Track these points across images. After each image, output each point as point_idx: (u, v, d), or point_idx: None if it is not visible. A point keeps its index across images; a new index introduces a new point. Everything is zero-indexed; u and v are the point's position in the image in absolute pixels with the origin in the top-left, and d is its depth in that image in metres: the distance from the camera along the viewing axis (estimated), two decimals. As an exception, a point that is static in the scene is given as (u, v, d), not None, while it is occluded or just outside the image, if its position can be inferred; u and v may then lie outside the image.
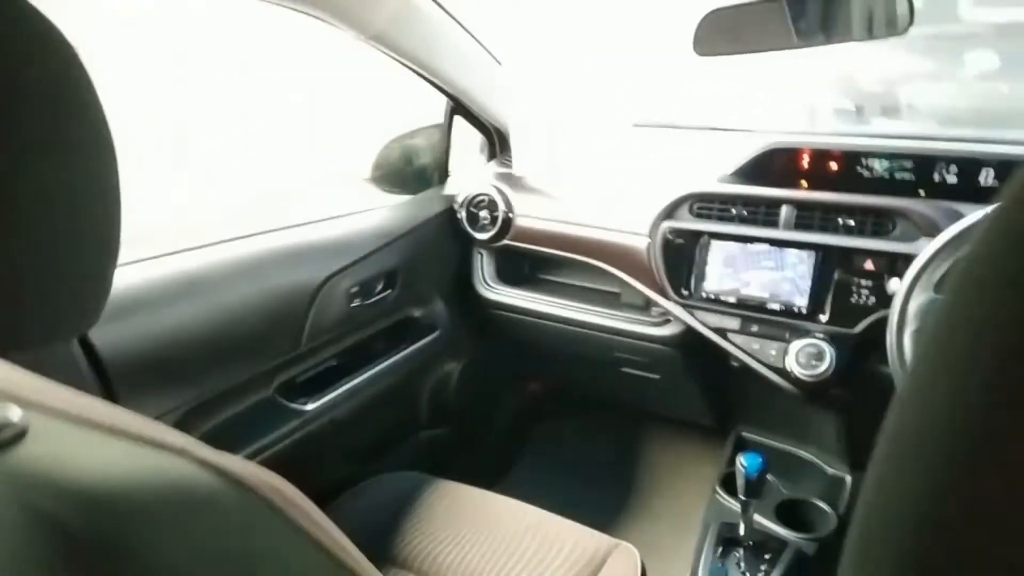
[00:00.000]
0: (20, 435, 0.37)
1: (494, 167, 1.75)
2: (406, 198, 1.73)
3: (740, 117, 1.75)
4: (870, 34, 0.98)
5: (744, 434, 1.73)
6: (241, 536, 0.42)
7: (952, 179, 1.28)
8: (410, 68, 1.46)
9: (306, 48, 2.71)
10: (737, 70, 2.04)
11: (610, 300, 1.63)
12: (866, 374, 1.27)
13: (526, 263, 1.80)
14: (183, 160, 2.88)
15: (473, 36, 1.55)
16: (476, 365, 1.89)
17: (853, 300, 1.25)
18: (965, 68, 2.63)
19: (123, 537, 0.37)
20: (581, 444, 2.18)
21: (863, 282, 1.25)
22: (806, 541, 1.42)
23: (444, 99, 1.68)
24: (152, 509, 0.39)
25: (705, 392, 1.67)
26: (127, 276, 1.14)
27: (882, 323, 1.14)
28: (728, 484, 1.54)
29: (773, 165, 1.40)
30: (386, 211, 1.63)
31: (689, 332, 1.44)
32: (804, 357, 1.28)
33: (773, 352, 1.34)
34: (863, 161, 1.34)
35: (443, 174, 1.78)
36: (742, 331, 1.37)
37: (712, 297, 1.38)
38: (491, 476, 2.06)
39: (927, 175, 1.29)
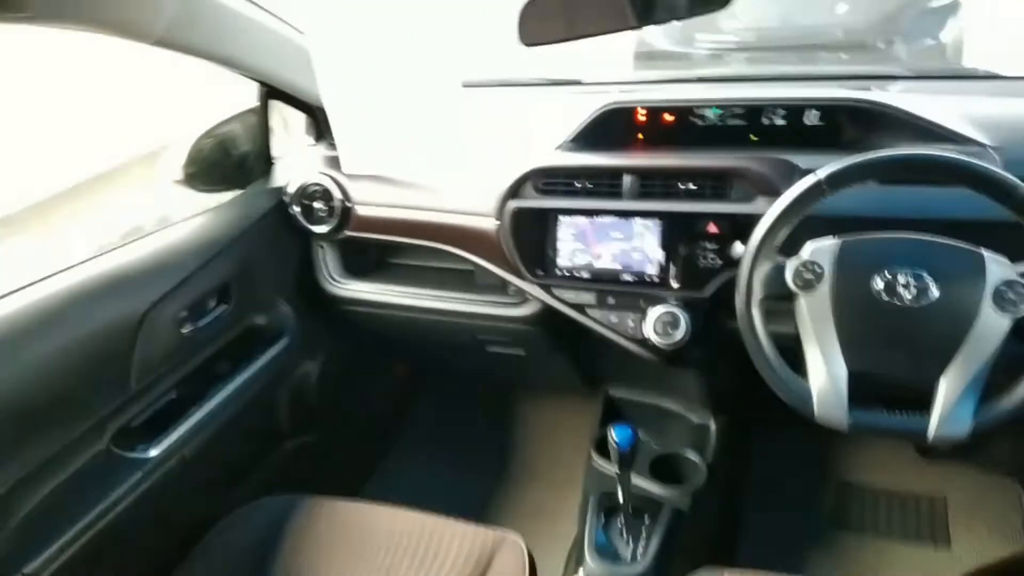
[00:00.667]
0: None
1: (323, 151, 1.61)
2: (230, 196, 1.56)
3: (573, 68, 1.70)
4: (694, 10, 0.95)
5: (612, 393, 1.75)
6: None
7: (780, 121, 1.34)
8: (208, 61, 1.29)
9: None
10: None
11: (466, 280, 1.58)
12: (722, 332, 1.30)
13: (373, 250, 1.70)
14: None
15: (266, 10, 1.37)
16: (335, 363, 1.79)
17: (701, 264, 1.27)
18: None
19: None
20: (456, 424, 2.16)
21: (708, 246, 1.26)
22: (681, 496, 1.47)
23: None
24: None
25: (571, 361, 1.67)
26: None
27: (731, 284, 1.16)
28: (602, 448, 1.56)
29: (611, 126, 1.38)
30: (208, 217, 1.47)
31: (548, 309, 1.42)
32: (660, 326, 1.29)
33: (631, 323, 1.34)
34: (695, 111, 1.37)
35: (266, 164, 1.62)
36: (599, 305, 1.36)
37: (566, 274, 1.36)
38: (367, 472, 2.01)
39: (756, 119, 1.35)
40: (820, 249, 1.03)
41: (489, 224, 1.39)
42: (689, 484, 1.51)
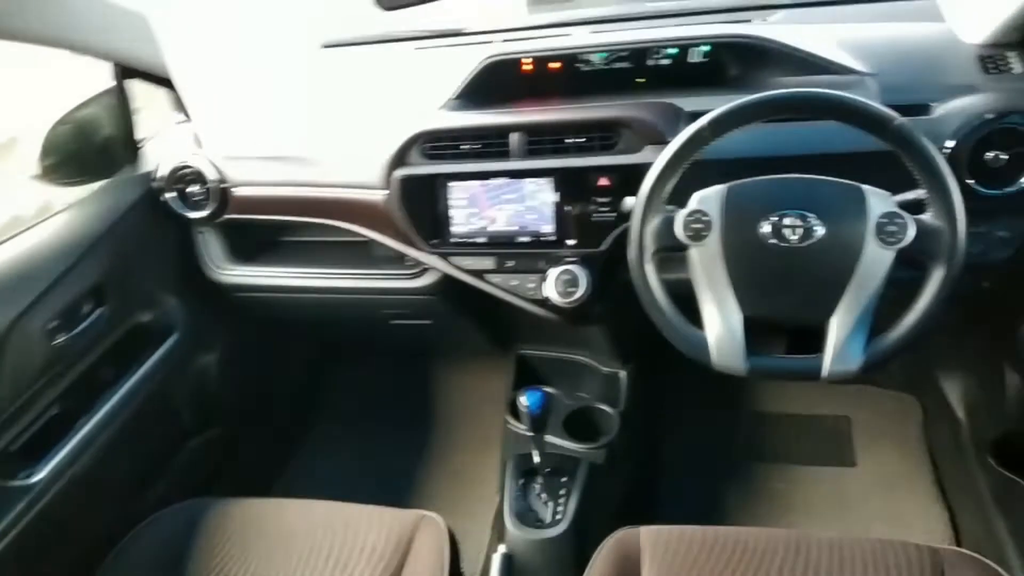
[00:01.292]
0: None
1: (193, 128, 1.50)
2: (97, 186, 1.44)
3: (441, 18, 1.62)
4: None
5: (523, 352, 1.74)
6: None
7: (665, 62, 1.32)
8: (43, 45, 1.17)
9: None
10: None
11: (363, 253, 1.51)
12: (622, 284, 1.29)
13: (261, 230, 1.61)
14: None
15: None
16: (234, 353, 1.71)
17: (595, 219, 1.25)
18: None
19: None
20: (370, 402, 2.12)
21: (601, 200, 1.23)
22: (596, 450, 1.48)
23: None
24: None
25: (479, 326, 1.64)
26: None
27: (626, 237, 1.14)
28: (516, 411, 1.55)
29: (494, 80, 1.33)
30: (71, 214, 1.35)
31: (448, 278, 1.38)
32: (561, 285, 1.27)
33: (531, 285, 1.31)
34: (581, 57, 1.34)
35: (132, 149, 1.50)
36: (498, 269, 1.33)
37: (462, 240, 1.32)
38: (281, 463, 1.95)
39: (642, 61, 1.32)
40: (706, 198, 1.02)
41: (377, 195, 1.33)
42: (604, 437, 1.51)
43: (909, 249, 0.95)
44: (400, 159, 1.30)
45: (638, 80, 1.34)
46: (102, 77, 1.42)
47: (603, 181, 1.22)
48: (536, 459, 1.39)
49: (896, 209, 0.96)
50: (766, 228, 0.98)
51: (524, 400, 1.28)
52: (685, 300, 1.04)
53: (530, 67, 1.35)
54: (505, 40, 1.48)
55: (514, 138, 1.25)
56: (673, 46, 1.30)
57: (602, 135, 1.23)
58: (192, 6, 1.24)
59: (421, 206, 1.31)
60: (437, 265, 1.36)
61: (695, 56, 1.30)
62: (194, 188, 1.44)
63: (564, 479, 1.42)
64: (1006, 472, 1.37)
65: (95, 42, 1.27)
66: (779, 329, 1.22)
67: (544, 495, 1.40)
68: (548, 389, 1.63)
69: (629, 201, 1.15)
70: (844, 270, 0.96)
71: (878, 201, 0.97)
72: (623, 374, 1.64)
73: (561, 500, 1.39)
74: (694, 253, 1.01)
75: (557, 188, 1.25)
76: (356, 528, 1.16)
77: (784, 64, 1.23)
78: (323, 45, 1.58)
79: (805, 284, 0.98)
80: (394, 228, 1.34)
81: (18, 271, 1.20)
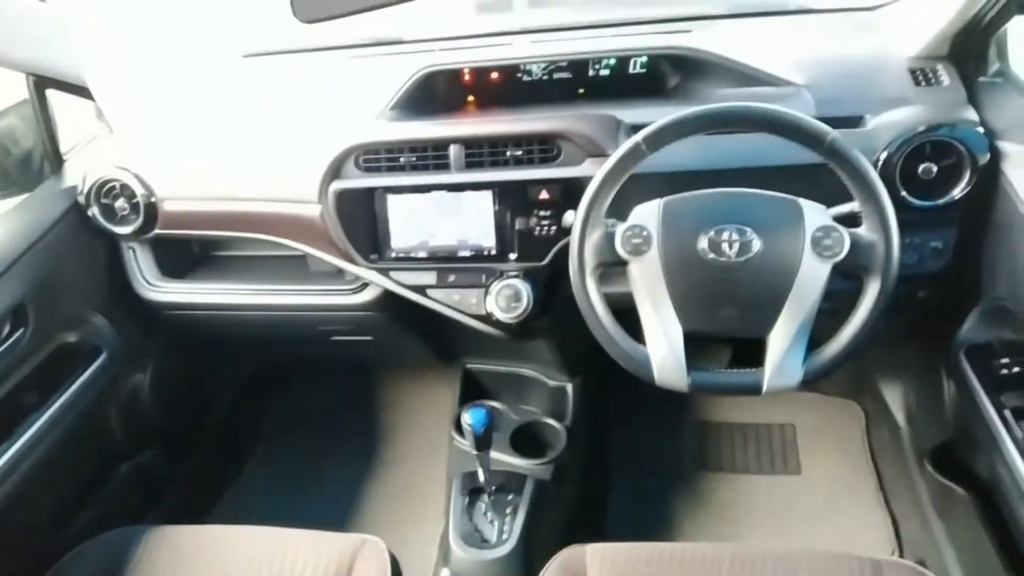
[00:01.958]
0: None
1: (118, 140, 1.44)
2: (15, 201, 1.37)
3: (375, 27, 1.59)
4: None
5: (468, 366, 1.71)
6: None
7: (605, 72, 1.32)
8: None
9: None
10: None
11: (299, 267, 1.47)
12: (565, 298, 1.28)
13: (193, 244, 1.55)
14: None
15: None
16: (169, 372, 1.65)
17: (537, 233, 1.23)
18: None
19: None
20: (313, 421, 2.06)
21: (542, 213, 1.22)
22: (543, 467, 1.46)
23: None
24: None
25: (423, 341, 1.61)
26: None
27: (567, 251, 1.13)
28: (461, 428, 1.52)
29: (433, 90, 1.32)
30: None
31: (389, 293, 1.35)
32: (503, 300, 1.25)
33: (474, 300, 1.29)
34: (522, 68, 1.33)
35: (55, 161, 1.43)
36: (440, 284, 1.30)
37: (403, 255, 1.29)
38: (219, 486, 1.88)
39: (583, 72, 1.32)
40: (645, 213, 1.01)
41: (312, 209, 1.29)
42: (551, 452, 1.49)
43: (845, 262, 0.95)
44: (335, 172, 1.26)
45: (579, 91, 1.34)
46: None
47: (544, 194, 1.21)
48: (482, 477, 1.36)
49: (832, 223, 0.96)
50: (704, 243, 0.97)
51: (467, 418, 1.25)
52: (628, 313, 1.03)
53: (469, 77, 1.34)
54: (444, 49, 1.46)
55: (453, 150, 1.23)
56: (613, 57, 1.30)
57: (542, 147, 1.21)
58: (107, 15, 1.19)
59: (358, 220, 1.28)
60: (377, 280, 1.33)
61: (635, 67, 1.31)
62: (121, 202, 1.38)
63: (511, 497, 1.40)
64: (944, 479, 1.39)
65: (6, 51, 1.20)
66: (722, 342, 1.22)
67: (490, 514, 1.38)
68: (494, 404, 1.61)
69: (570, 215, 1.13)
70: (782, 284, 0.96)
71: (814, 215, 0.97)
72: (570, 387, 1.62)
73: (508, 519, 1.36)
74: (634, 268, 1.00)
75: (498, 201, 1.23)
76: (295, 555, 1.12)
77: (722, 75, 1.24)
78: (243, 55, 1.53)
79: (744, 299, 0.98)
80: (331, 243, 1.30)
81: None
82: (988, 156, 1.10)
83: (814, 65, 1.23)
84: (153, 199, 1.37)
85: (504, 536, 1.33)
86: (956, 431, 1.31)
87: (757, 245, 0.96)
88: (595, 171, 1.03)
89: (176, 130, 1.41)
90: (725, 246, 0.96)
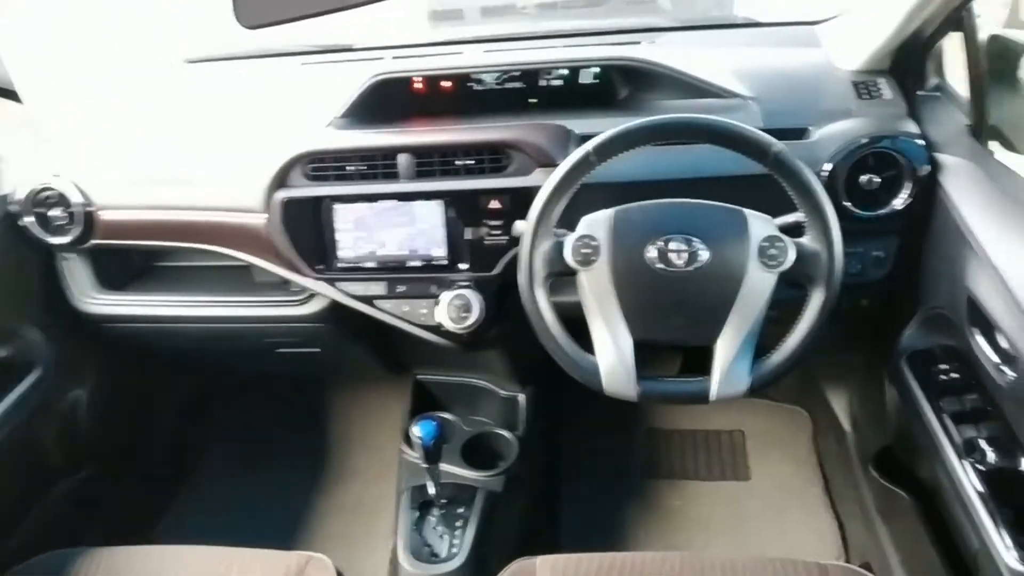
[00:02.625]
0: None
1: (53, 147, 1.38)
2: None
3: (325, 34, 1.57)
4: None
5: (419, 377, 1.69)
6: None
7: (557, 82, 1.32)
8: None
9: None
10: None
11: (243, 278, 1.43)
12: (516, 308, 1.27)
13: (132, 254, 1.50)
14: None
15: None
16: (108, 387, 1.59)
17: (487, 243, 1.22)
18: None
19: None
20: (259, 436, 2.01)
21: (492, 223, 1.22)
22: (494, 478, 1.44)
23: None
24: None
25: (372, 352, 1.58)
26: None
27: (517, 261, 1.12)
28: (411, 440, 1.50)
29: (384, 98, 1.29)
30: None
31: (337, 304, 1.32)
32: (453, 311, 1.23)
33: (424, 311, 1.27)
34: (474, 76, 1.33)
35: (-18, 169, 1.37)
36: (389, 295, 1.28)
37: (350, 265, 1.26)
38: (161, 505, 1.82)
39: (534, 82, 1.32)
40: (594, 222, 1.01)
41: (257, 219, 1.26)
42: (503, 463, 1.48)
43: (790, 272, 0.97)
44: (281, 180, 1.24)
45: (530, 100, 1.34)
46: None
47: (494, 204, 1.20)
48: (431, 491, 1.34)
49: (777, 232, 0.97)
50: (652, 253, 0.97)
51: (416, 431, 1.23)
52: (578, 323, 1.03)
53: (421, 86, 1.33)
54: (396, 58, 1.44)
55: (402, 159, 1.22)
56: (564, 67, 1.31)
57: (492, 157, 1.21)
58: (36, 17, 1.14)
59: (305, 230, 1.25)
60: (324, 291, 1.30)
61: (586, 77, 1.31)
62: (56, 212, 1.33)
63: (461, 510, 1.38)
64: (888, 483, 1.42)
65: None
66: (673, 351, 1.22)
67: (440, 528, 1.35)
68: (445, 415, 1.59)
69: (520, 225, 1.12)
70: (728, 294, 0.97)
71: (760, 225, 0.98)
72: (522, 397, 1.61)
73: (458, 532, 1.34)
74: (583, 278, 1.00)
75: (448, 211, 1.22)
76: (239, 574, 1.09)
77: (670, 87, 1.25)
78: (186, 60, 1.50)
79: (691, 308, 0.99)
80: (276, 253, 1.28)
81: None
82: (928, 167, 1.13)
83: (760, 78, 1.26)
84: (91, 208, 1.32)
85: (454, 550, 1.31)
86: (898, 436, 1.34)
87: (704, 255, 0.97)
88: (543, 181, 1.03)
89: (115, 137, 1.36)
90: (673, 256, 0.97)
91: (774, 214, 1.00)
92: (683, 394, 1.01)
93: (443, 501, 1.37)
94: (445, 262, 1.24)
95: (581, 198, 1.03)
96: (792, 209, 0.99)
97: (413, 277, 1.26)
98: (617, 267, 0.98)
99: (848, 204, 1.15)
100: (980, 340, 0.98)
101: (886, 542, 1.43)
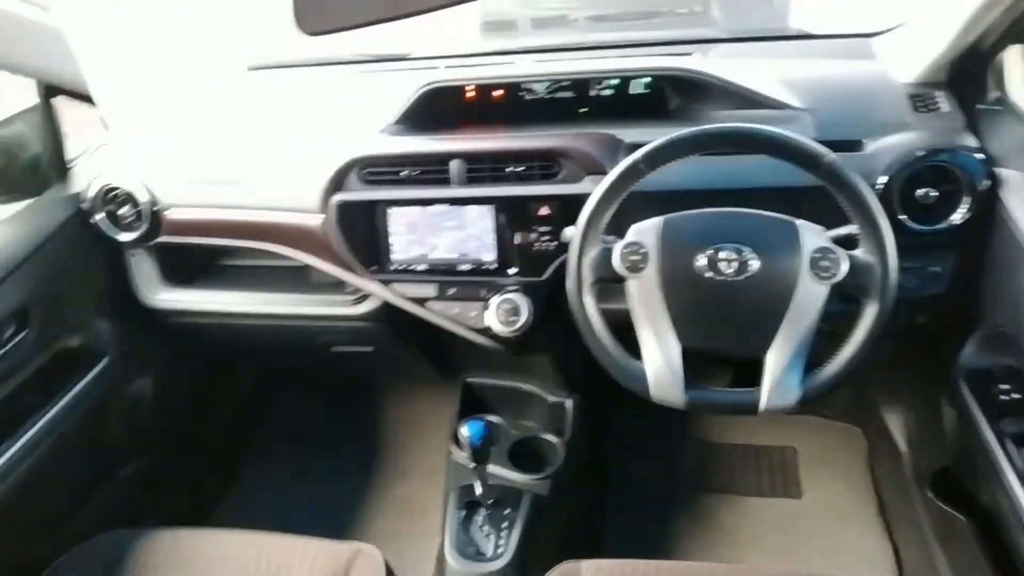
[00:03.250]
0: None
1: (123, 148, 1.45)
2: (19, 206, 1.38)
3: (380, 44, 1.61)
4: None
5: (469, 380, 1.71)
6: None
7: (608, 92, 1.32)
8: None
9: None
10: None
11: (301, 278, 1.48)
12: (565, 313, 1.28)
13: (197, 254, 1.56)
14: None
15: None
16: (171, 378, 1.66)
17: (537, 248, 1.24)
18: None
19: None
20: (313, 430, 2.07)
21: (542, 229, 1.23)
22: (540, 482, 1.45)
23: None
24: None
25: (423, 353, 1.61)
26: None
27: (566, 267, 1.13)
28: (460, 441, 1.52)
29: (436, 106, 1.32)
30: None
31: (390, 304, 1.35)
32: (502, 314, 1.25)
33: (473, 313, 1.29)
34: (524, 86, 1.33)
35: (60, 168, 1.45)
36: (440, 297, 1.31)
37: (403, 267, 1.29)
38: (218, 493, 1.89)
39: (585, 92, 1.32)
40: (643, 230, 1.01)
41: (314, 220, 1.30)
42: (549, 468, 1.49)
43: (843, 284, 0.95)
44: (337, 184, 1.27)
45: (581, 110, 1.34)
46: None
47: (544, 210, 1.22)
48: (478, 491, 1.36)
49: (829, 244, 0.96)
50: (702, 261, 0.97)
51: (465, 431, 1.25)
52: (626, 330, 1.03)
53: (473, 94, 1.34)
54: (449, 67, 1.47)
55: (454, 165, 1.24)
56: (615, 77, 1.30)
57: (543, 164, 1.22)
58: (110, 25, 1.20)
59: (359, 232, 1.28)
60: (377, 292, 1.33)
61: (637, 88, 1.31)
62: (125, 210, 1.39)
63: (507, 511, 1.39)
64: (945, 506, 1.37)
65: (14, 57, 1.23)
66: (721, 362, 1.21)
67: (486, 527, 1.37)
68: (493, 418, 1.61)
69: (569, 231, 1.13)
70: (779, 304, 0.96)
71: (812, 236, 0.97)
72: (569, 403, 1.62)
73: (504, 533, 1.36)
74: (632, 285, 1.00)
75: (498, 216, 1.24)
76: (289, 561, 1.12)
77: (722, 98, 1.24)
78: (249, 68, 1.55)
79: (741, 317, 0.98)
80: (332, 254, 1.31)
81: None
82: (987, 182, 1.10)
83: (813, 89, 1.24)
84: (157, 207, 1.38)
85: (500, 550, 1.33)
86: (957, 457, 1.30)
87: (755, 265, 0.96)
88: (593, 188, 1.04)
89: (181, 139, 1.42)
90: (723, 265, 0.97)
91: (827, 227, 0.99)
92: (731, 403, 1.00)
93: (490, 501, 1.39)
94: (495, 266, 1.26)
95: (630, 206, 1.03)
96: (845, 222, 0.98)
97: (463, 280, 1.28)
98: (666, 274, 0.98)
99: (904, 218, 1.12)
100: None
101: (943, 567, 1.39)
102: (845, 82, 1.27)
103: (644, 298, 0.99)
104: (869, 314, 0.96)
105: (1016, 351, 1.03)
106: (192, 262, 1.55)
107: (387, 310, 1.38)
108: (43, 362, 1.36)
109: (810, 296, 0.95)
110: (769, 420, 1.91)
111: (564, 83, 1.32)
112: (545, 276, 1.24)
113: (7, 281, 1.25)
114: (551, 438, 1.57)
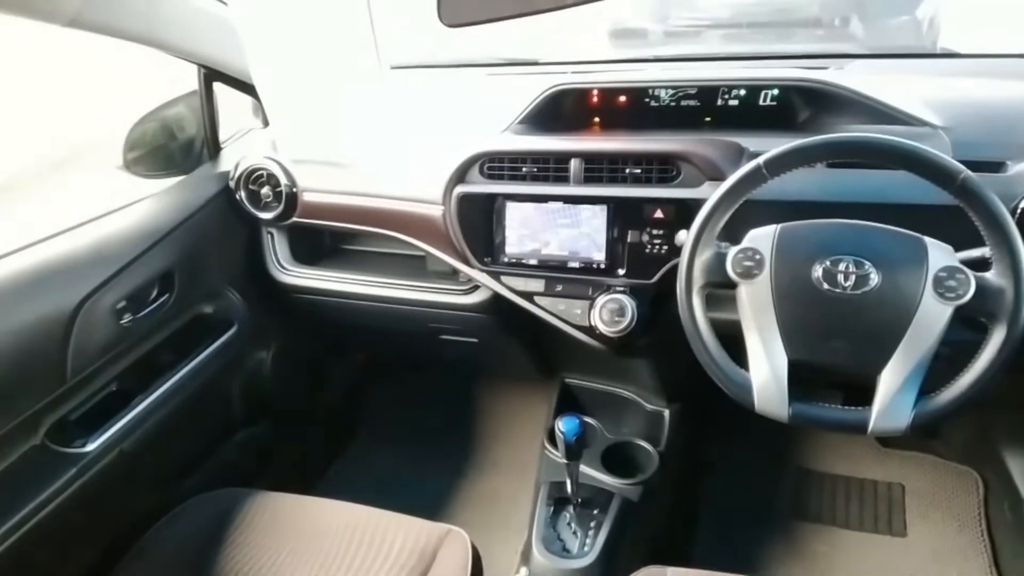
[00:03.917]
0: None
1: (270, 133, 1.57)
2: (174, 181, 1.52)
3: (512, 49, 1.66)
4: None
5: (567, 380, 1.73)
6: None
7: (734, 102, 1.31)
8: (130, 41, 1.24)
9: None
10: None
11: (417, 266, 1.55)
12: (670, 319, 1.28)
13: (324, 235, 1.66)
14: None
15: None
16: (288, 351, 1.76)
17: (647, 251, 1.24)
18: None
19: None
20: (413, 414, 2.15)
21: (654, 232, 1.23)
22: (631, 487, 1.45)
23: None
24: None
25: (525, 348, 1.64)
26: None
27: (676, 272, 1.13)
28: (554, 438, 1.53)
29: (560, 108, 1.35)
30: (149, 204, 1.42)
31: (498, 297, 1.39)
32: (608, 314, 1.26)
33: (578, 311, 1.31)
34: (650, 92, 1.34)
35: (213, 148, 1.58)
36: (547, 292, 1.33)
37: (514, 261, 1.33)
38: (322, 463, 1.99)
39: (711, 100, 1.31)
40: (759, 236, 1.00)
41: (435, 210, 1.36)
42: (641, 475, 1.49)
43: (969, 306, 0.91)
44: (460, 176, 1.33)
45: (705, 119, 1.34)
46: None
47: (658, 213, 1.22)
48: (569, 488, 1.37)
49: (957, 264, 0.92)
50: (819, 272, 0.95)
51: (561, 426, 1.27)
52: (732, 341, 1.02)
53: (597, 99, 1.37)
54: (576, 72, 1.50)
55: (573, 164, 1.26)
56: (744, 87, 1.29)
57: (661, 167, 1.23)
58: (277, 20, 1.31)
59: (477, 224, 1.33)
60: (488, 283, 1.37)
61: (765, 99, 1.29)
62: (265, 190, 1.50)
63: (596, 511, 1.40)
64: None
65: (182, 43, 1.34)
66: (828, 382, 1.18)
67: (574, 525, 1.39)
68: (589, 420, 1.62)
69: (683, 234, 1.14)
70: (898, 322, 0.92)
71: (939, 254, 0.94)
72: (667, 413, 1.61)
73: (591, 532, 1.37)
74: (743, 291, 0.99)
75: (611, 216, 1.25)
76: (384, 534, 1.17)
77: (855, 111, 1.21)
78: (392, 66, 1.64)
79: (856, 333, 0.95)
80: (449, 243, 1.37)
81: (96, 252, 1.27)
82: None
83: (954, 108, 1.18)
84: (295, 189, 1.48)
85: (586, 548, 1.34)
86: None
87: (875, 279, 0.94)
88: (712, 194, 1.04)
89: (324, 129, 1.51)
90: (841, 277, 0.94)
91: (956, 249, 0.95)
92: (839, 421, 0.97)
93: (579, 500, 1.40)
94: (604, 266, 1.28)
95: (747, 214, 1.02)
96: (977, 245, 0.94)
97: (572, 278, 1.31)
98: (779, 282, 0.97)
99: None
100: None
101: None
102: (990, 102, 1.22)
103: (755, 306, 0.98)
104: (995, 340, 0.91)
105: None
106: (320, 244, 1.65)
107: (495, 302, 1.42)
108: (180, 325, 1.48)
109: (932, 317, 0.91)
110: (876, 453, 1.83)
111: (690, 91, 1.32)
112: (654, 279, 1.25)
113: (157, 247, 1.37)
114: (646, 445, 1.56)
